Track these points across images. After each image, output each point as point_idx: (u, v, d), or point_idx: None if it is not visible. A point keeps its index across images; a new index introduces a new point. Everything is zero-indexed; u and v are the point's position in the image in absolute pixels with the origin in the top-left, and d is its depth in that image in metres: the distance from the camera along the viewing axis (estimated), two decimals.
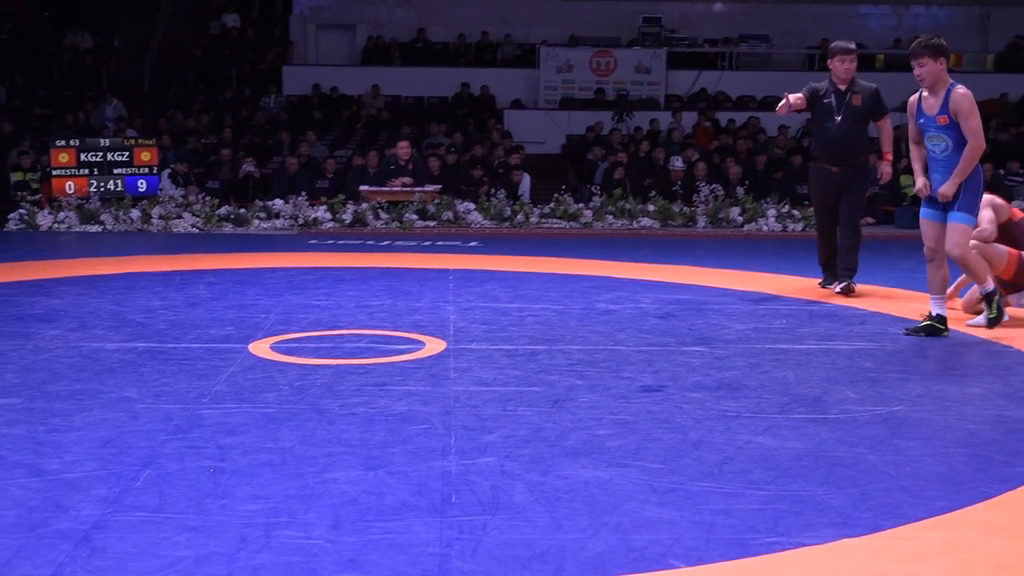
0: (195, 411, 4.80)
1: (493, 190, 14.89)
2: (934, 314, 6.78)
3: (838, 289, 8.23)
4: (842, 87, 8.30)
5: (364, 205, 13.95)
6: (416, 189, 14.30)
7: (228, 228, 13.49)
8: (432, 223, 13.82)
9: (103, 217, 13.47)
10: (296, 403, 4.97)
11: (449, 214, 13.93)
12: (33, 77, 20.88)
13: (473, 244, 12.15)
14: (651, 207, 14.33)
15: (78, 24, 22.41)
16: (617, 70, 21.85)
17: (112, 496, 3.69)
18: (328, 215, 13.78)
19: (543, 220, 14.08)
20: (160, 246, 11.88)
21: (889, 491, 3.84)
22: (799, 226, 13.71)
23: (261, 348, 6.19)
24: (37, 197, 14.07)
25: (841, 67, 8.27)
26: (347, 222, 13.69)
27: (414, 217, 13.75)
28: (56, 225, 13.43)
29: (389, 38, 23.14)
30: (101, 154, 14.11)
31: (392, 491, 3.77)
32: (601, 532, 3.42)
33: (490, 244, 12.10)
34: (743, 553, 3.27)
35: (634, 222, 14.09)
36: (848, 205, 8.40)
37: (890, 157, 8.46)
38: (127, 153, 14.20)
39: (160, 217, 13.47)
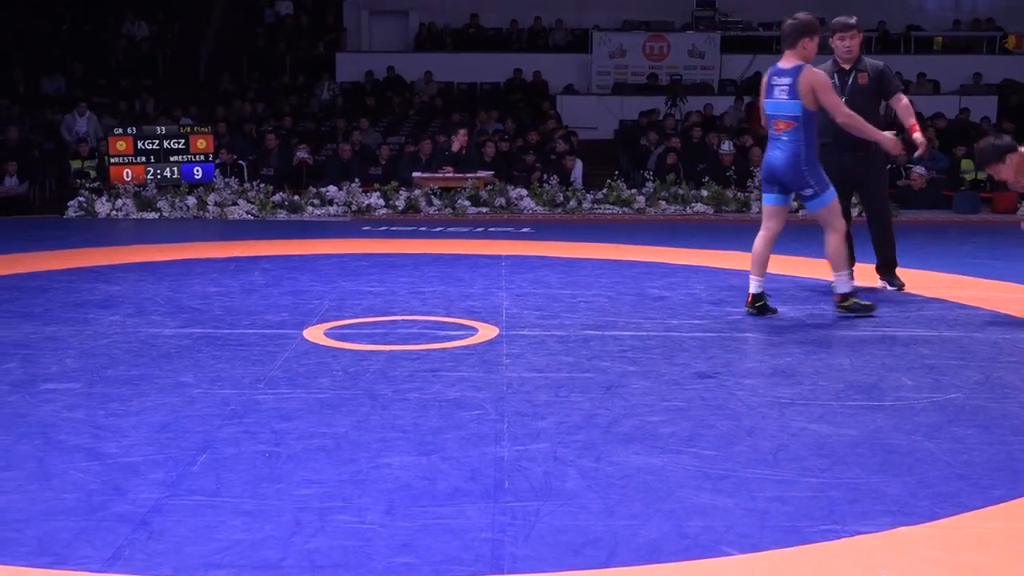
0: (250, 396, 4.85)
1: (545, 176, 14.88)
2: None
3: (890, 289, 7.77)
4: (846, 66, 7.72)
5: (417, 192, 14.00)
6: (469, 175, 14.32)
7: (282, 215, 13.60)
8: (485, 209, 13.84)
9: (160, 204, 13.64)
10: (350, 389, 5.00)
11: (501, 200, 13.94)
12: (91, 66, 21.14)
13: (525, 230, 12.15)
14: (704, 192, 14.25)
15: (135, 13, 22.66)
16: (670, 55, 21.71)
17: (170, 480, 3.73)
18: (381, 202, 13.85)
19: (596, 206, 14.05)
20: (215, 233, 12.00)
21: (946, 479, 3.80)
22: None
23: (315, 334, 6.23)
24: (95, 185, 14.26)
25: (841, 45, 7.70)
26: (400, 208, 13.75)
27: (467, 203, 13.78)
28: (114, 212, 13.62)
29: (442, 24, 23.17)
30: (158, 142, 14.28)
31: (445, 476, 3.78)
32: (654, 518, 3.41)
33: (542, 230, 12.10)
34: (797, 541, 3.25)
35: (687, 208, 14.03)
36: (870, 194, 7.91)
37: (916, 127, 7.58)
38: (183, 141, 14.36)
39: (216, 204, 13.61)
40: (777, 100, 6.56)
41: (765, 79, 6.72)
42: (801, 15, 6.64)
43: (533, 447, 4.11)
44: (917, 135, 7.55)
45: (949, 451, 4.11)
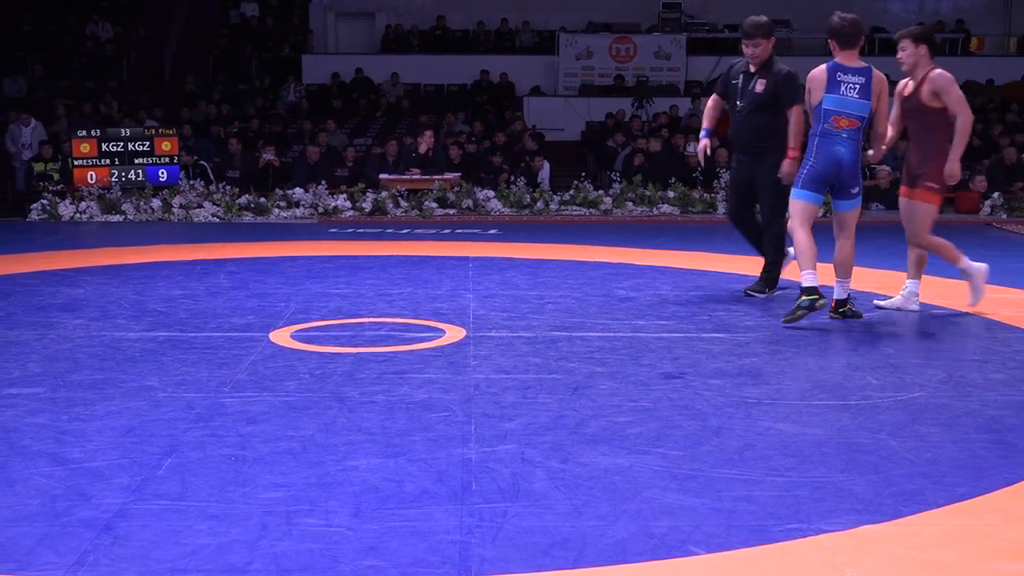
0: (216, 400, 4.82)
1: (512, 177, 14.89)
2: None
3: (744, 292, 7.64)
4: (752, 69, 7.47)
5: (384, 193, 13.97)
6: (436, 177, 14.31)
7: (248, 217, 13.53)
8: (452, 211, 13.83)
9: (124, 207, 13.53)
10: (317, 391, 4.98)
11: (469, 202, 13.93)
12: (54, 67, 20.95)
13: (493, 232, 12.15)
14: (671, 194, 14.29)
15: (99, 14, 22.48)
16: (637, 56, 21.78)
17: (134, 484, 3.71)
18: (348, 203, 13.80)
19: (563, 207, 14.06)
20: (181, 235, 11.92)
21: (910, 477, 3.83)
22: (819, 212, 13.65)
23: (281, 337, 6.21)
24: (59, 187, 14.13)
25: (746, 51, 7.45)
26: (367, 210, 13.72)
27: (433, 205, 13.76)
28: (78, 215, 13.50)
29: (408, 26, 23.13)
30: (122, 144, 14.17)
31: (413, 479, 3.78)
32: (621, 519, 3.42)
33: (509, 231, 12.10)
34: (763, 540, 3.27)
35: (654, 209, 14.06)
36: (761, 202, 7.62)
37: (793, 154, 7.15)
38: (148, 143, 14.25)
39: (181, 206, 13.52)
40: (845, 97, 6.49)
41: (821, 75, 6.53)
42: (852, 15, 6.61)
43: (500, 448, 4.11)
44: (785, 163, 7.21)
45: (913, 449, 4.14)
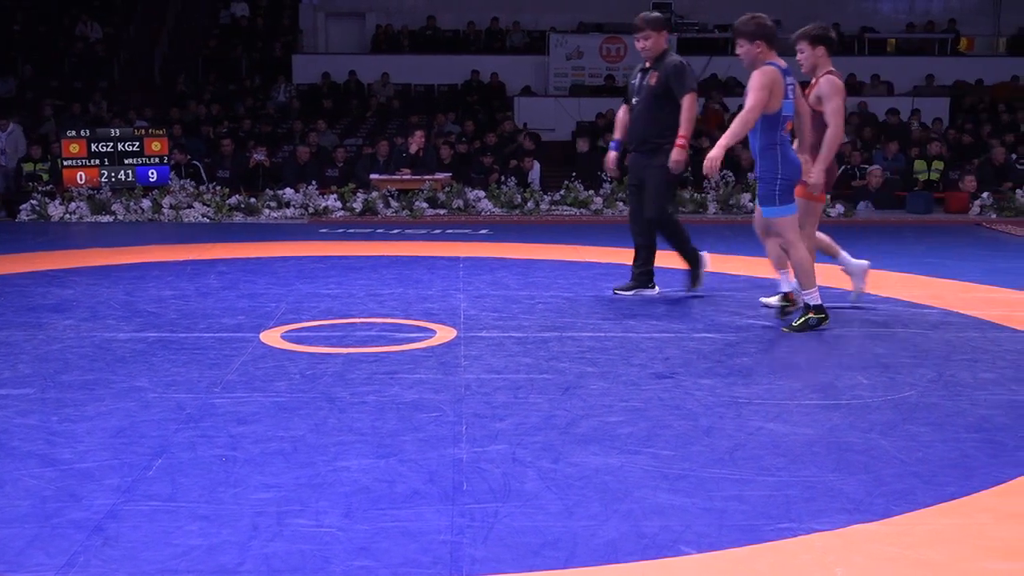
0: (207, 400, 4.81)
1: (503, 177, 14.88)
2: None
3: (613, 292, 7.62)
4: (647, 64, 7.42)
5: (374, 193, 13.96)
6: (426, 177, 14.30)
7: (239, 217, 13.51)
8: (442, 211, 13.82)
9: (114, 207, 13.51)
10: (307, 392, 4.97)
11: (459, 202, 13.93)
12: (43, 68, 20.89)
13: (483, 232, 12.15)
14: None
15: (89, 14, 22.42)
16: (627, 56, 21.77)
17: (125, 485, 3.70)
18: (338, 204, 13.79)
19: (553, 207, 14.07)
20: (171, 236, 11.90)
21: (901, 477, 3.84)
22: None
23: (272, 337, 6.20)
24: (48, 188, 14.08)
25: (636, 45, 7.45)
26: (357, 211, 13.71)
27: (424, 205, 13.75)
28: (67, 216, 13.47)
29: (399, 26, 23.12)
30: (112, 144, 14.14)
31: (404, 479, 3.78)
32: (612, 519, 3.42)
33: (500, 231, 12.10)
34: (754, 539, 3.27)
35: None
36: (648, 196, 7.47)
37: (682, 142, 7.17)
38: (138, 143, 14.22)
39: (171, 207, 13.50)
40: (791, 101, 6.35)
41: (780, 79, 6.24)
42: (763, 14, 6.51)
43: (491, 449, 4.11)
44: (675, 150, 7.19)
45: (903, 449, 4.15)
